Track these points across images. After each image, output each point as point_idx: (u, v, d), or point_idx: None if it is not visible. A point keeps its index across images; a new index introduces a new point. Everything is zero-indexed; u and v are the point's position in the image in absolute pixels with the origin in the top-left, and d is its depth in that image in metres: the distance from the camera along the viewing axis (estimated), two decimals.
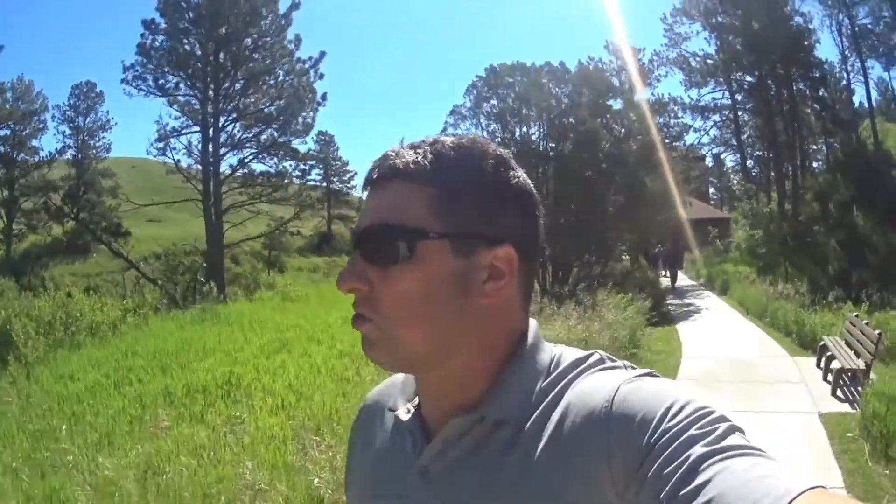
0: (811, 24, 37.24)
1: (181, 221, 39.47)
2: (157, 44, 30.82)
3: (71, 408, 9.46)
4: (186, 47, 31.11)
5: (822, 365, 10.40)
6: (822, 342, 10.85)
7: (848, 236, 28.90)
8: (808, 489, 0.70)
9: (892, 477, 6.27)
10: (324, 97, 32.93)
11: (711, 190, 56.85)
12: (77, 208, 31.47)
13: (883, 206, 29.36)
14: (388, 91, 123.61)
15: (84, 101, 43.70)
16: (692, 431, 0.81)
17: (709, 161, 49.47)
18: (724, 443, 0.79)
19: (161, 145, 31.55)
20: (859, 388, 8.64)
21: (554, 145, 29.25)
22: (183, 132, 32.12)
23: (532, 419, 0.97)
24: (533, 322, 1.10)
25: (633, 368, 1.01)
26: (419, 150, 1.01)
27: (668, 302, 23.05)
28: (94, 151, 43.68)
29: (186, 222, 37.97)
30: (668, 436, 0.82)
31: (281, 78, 32.42)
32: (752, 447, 0.80)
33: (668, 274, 31.50)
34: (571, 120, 28.45)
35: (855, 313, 11.76)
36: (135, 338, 15.18)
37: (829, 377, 9.71)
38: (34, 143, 39.09)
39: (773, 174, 39.31)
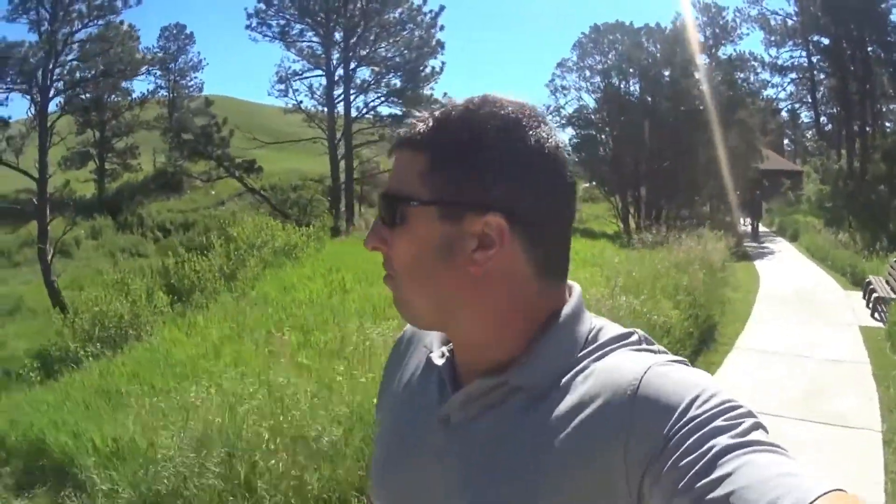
0: None
1: (289, 161, 40.97)
2: None
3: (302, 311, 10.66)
4: None
5: (865, 295, 13.71)
6: (868, 279, 14.20)
7: None
8: (829, 491, 0.73)
9: None
10: (442, 46, 34.47)
11: (786, 142, 57.37)
12: (213, 146, 32.79)
13: None
14: (498, 44, 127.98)
15: (174, 42, 45.14)
16: (717, 423, 0.83)
17: (784, 115, 50.39)
18: (749, 437, 0.81)
19: (283, 87, 34.12)
20: (886, 310, 11.73)
21: (650, 99, 32.07)
22: (304, 75, 34.61)
23: (557, 388, 0.99)
24: (576, 292, 1.10)
25: (666, 353, 1.03)
26: (425, 118, 1.04)
27: (746, 244, 25.72)
28: (187, 91, 45.40)
29: (299, 162, 40.36)
30: (691, 425, 0.84)
31: (405, 30, 34.13)
32: (775, 444, 0.82)
33: (747, 222, 32.12)
34: (667, 76, 31.49)
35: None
36: (327, 256, 16.49)
37: (869, 304, 13.05)
38: (125, 84, 39.57)
39: (844, 132, 40.90)
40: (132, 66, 30.52)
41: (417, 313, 1.08)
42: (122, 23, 30.11)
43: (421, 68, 34.07)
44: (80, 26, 29.19)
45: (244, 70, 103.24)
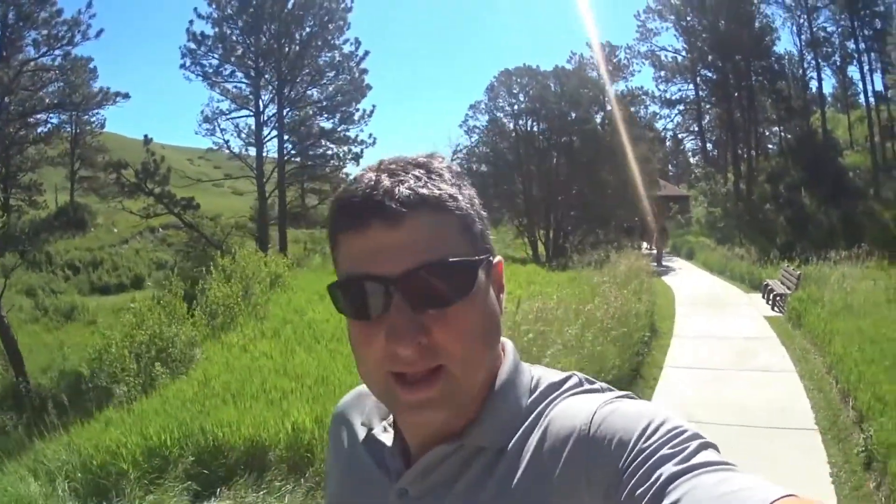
0: (773, 23, 42.88)
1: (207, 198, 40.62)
2: (206, 33, 34.03)
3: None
4: (236, 37, 34.44)
5: (764, 295, 16.92)
6: (766, 282, 17.47)
7: (795, 214, 33.48)
8: (782, 497, 0.73)
9: (801, 339, 11.75)
10: (370, 88, 36.41)
11: (669, 168, 60.72)
12: (153, 184, 32.60)
13: (827, 187, 34.31)
14: (408, 88, 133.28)
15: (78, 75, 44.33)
16: (664, 451, 0.83)
17: (668, 143, 54.46)
18: (695, 460, 0.81)
19: (210, 126, 34.72)
20: (785, 304, 14.91)
21: (559, 138, 35.35)
22: (231, 115, 35.48)
23: (512, 444, 0.97)
24: (509, 346, 1.09)
25: (610, 391, 1.02)
26: (420, 175, 0.96)
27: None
28: (90, 127, 44.71)
29: (213, 200, 41.03)
30: (641, 457, 0.84)
31: (336, 73, 35.75)
32: (723, 462, 0.82)
33: (649, 246, 33.00)
34: (573, 116, 34.80)
35: (788, 266, 18.36)
36: (305, 283, 17.82)
37: (769, 301, 16.25)
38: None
39: (729, 157, 44.57)
40: (86, 99, 30.66)
41: (466, 399, 0.98)
42: (78, 57, 30.27)
43: (353, 111, 35.50)
44: (35, 54, 29.26)
45: (147, 110, 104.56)
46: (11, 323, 24.28)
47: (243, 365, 10.10)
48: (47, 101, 30.52)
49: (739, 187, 40.48)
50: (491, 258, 1.00)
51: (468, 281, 0.93)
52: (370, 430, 1.15)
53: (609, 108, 37.71)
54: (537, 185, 36.73)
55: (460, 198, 0.97)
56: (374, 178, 0.94)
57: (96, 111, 38.82)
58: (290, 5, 34.19)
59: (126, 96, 30.69)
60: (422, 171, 0.96)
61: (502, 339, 1.07)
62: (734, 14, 41.10)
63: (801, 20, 42.37)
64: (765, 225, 33.24)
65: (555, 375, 1.07)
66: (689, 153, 57.04)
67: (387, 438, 1.11)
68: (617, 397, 0.97)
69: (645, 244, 32.60)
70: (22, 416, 12.87)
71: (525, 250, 36.54)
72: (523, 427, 0.99)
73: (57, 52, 29.55)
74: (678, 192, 51.16)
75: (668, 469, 0.81)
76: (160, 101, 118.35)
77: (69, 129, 42.03)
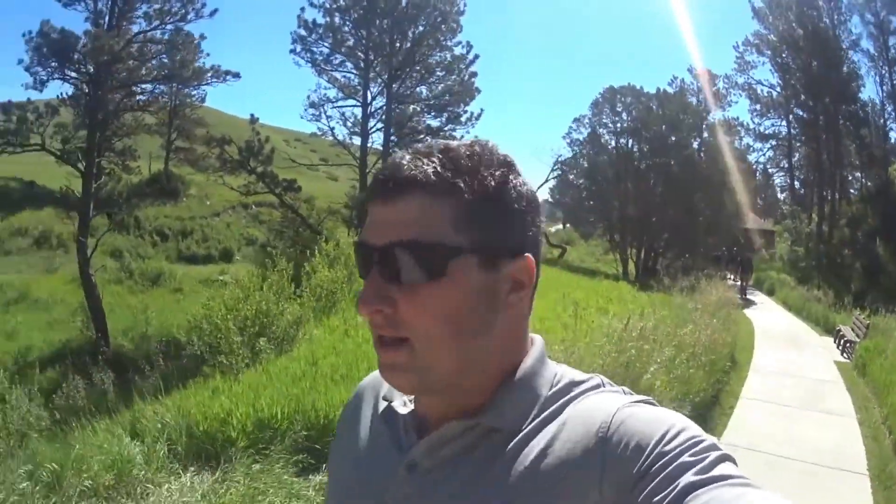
0: (859, 70, 42.72)
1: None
2: (318, 21, 34.81)
3: None
4: (348, 29, 35.12)
5: (836, 340, 17.86)
6: (838, 328, 18.44)
7: (870, 262, 33.56)
8: None
9: (864, 387, 12.63)
10: (479, 91, 36.75)
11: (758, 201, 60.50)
12: (256, 162, 33.12)
13: None
14: (514, 96, 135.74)
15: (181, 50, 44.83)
16: (684, 458, 0.85)
17: (758, 177, 54.16)
18: (714, 472, 0.83)
19: (316, 112, 36.05)
20: (853, 351, 15.75)
21: (659, 161, 36.40)
22: (337, 103, 36.53)
23: (528, 431, 1.00)
24: (539, 338, 1.13)
25: (631, 394, 1.05)
26: (434, 159, 1.00)
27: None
28: (190, 100, 45.27)
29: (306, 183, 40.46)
30: (660, 462, 0.86)
31: (447, 74, 36.34)
32: (741, 477, 0.84)
33: (738, 279, 32.25)
34: (672, 140, 35.90)
35: (859, 314, 19.35)
36: None
37: (839, 346, 17.18)
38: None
39: (815, 197, 44.65)
40: (196, 75, 30.61)
41: (436, 377, 1.02)
42: (188, 32, 30.02)
43: (460, 112, 36.65)
44: (147, 27, 29.10)
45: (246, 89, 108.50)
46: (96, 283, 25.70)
47: (348, 349, 10.50)
48: (154, 73, 30.67)
49: (822, 229, 40.72)
50: (497, 255, 1.00)
51: (438, 266, 0.96)
52: (390, 403, 1.17)
53: (707, 135, 38.74)
54: (633, 204, 37.68)
55: (467, 186, 0.99)
56: (396, 158, 1.02)
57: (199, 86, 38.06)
58: (403, 2, 34.55)
59: (237, 75, 30.64)
60: (439, 157, 1.00)
61: (532, 334, 1.12)
62: (824, 56, 41.30)
63: (884, 71, 42.18)
64: (842, 270, 33.72)
65: (578, 374, 1.09)
66: (778, 189, 57.18)
67: (405, 413, 1.14)
68: (637, 401, 1.00)
69: (730, 275, 32.54)
70: (106, 374, 13.14)
71: (616, 267, 37.91)
72: (541, 416, 1.02)
73: (168, 26, 29.27)
74: (764, 227, 51.69)
75: (687, 478, 0.83)
76: (259, 81, 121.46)
77: (168, 101, 42.68)
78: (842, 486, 7.54)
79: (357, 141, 36.89)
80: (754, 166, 49.81)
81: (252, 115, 34.27)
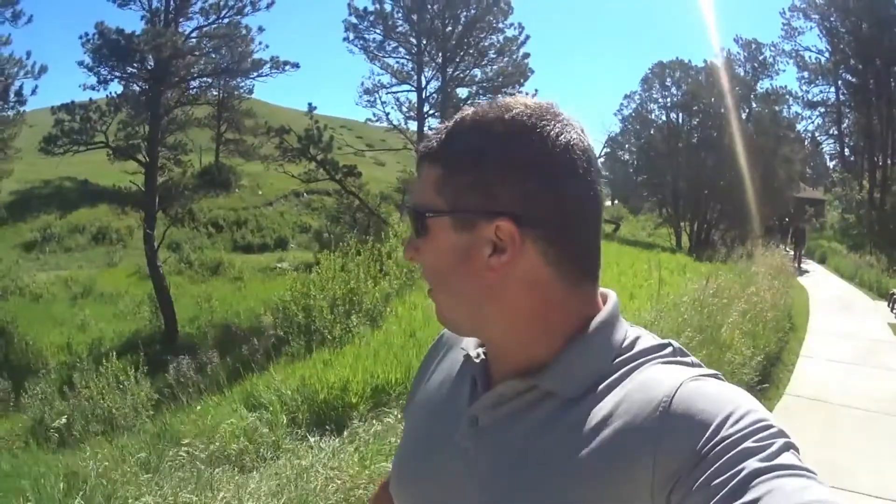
0: None
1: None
2: (368, 8, 35.16)
3: None
4: (398, 14, 35.33)
5: (889, 303, 18.40)
6: (891, 291, 19.03)
7: None
8: None
9: None
10: (532, 72, 36.91)
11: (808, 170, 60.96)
12: (316, 150, 33.00)
13: None
14: (565, 74, 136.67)
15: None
16: (748, 444, 0.84)
17: (807, 145, 53.57)
18: (779, 460, 0.83)
19: (371, 98, 36.33)
20: None
21: (711, 133, 36.96)
22: (392, 89, 36.77)
23: (588, 397, 1.01)
24: (612, 299, 1.12)
25: (700, 367, 1.05)
26: (440, 130, 1.10)
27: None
28: (238, 92, 45.07)
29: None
30: (723, 444, 0.85)
31: (500, 56, 36.40)
32: (804, 468, 0.83)
33: (792, 249, 31.78)
34: (721, 111, 36.20)
35: None
36: None
37: (893, 310, 17.73)
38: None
39: (866, 164, 44.41)
40: (255, 66, 30.79)
41: (454, 322, 1.14)
42: (246, 25, 30.28)
43: (515, 93, 35.55)
44: (204, 22, 29.47)
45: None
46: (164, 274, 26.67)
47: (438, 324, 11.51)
48: (213, 66, 31.15)
49: (874, 195, 40.54)
50: (473, 216, 1.03)
51: (423, 226, 1.08)
52: (467, 355, 1.20)
53: (755, 105, 39.07)
54: (685, 177, 38.37)
55: (448, 153, 1.06)
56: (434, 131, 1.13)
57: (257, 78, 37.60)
58: None
59: (296, 65, 31.00)
60: (447, 128, 1.09)
61: (607, 290, 1.13)
62: (875, 16, 40.54)
63: None
64: (895, 235, 33.75)
65: (650, 339, 1.10)
66: (827, 157, 57.00)
67: (476, 363, 1.18)
68: (704, 374, 1.00)
69: (783, 245, 32.15)
70: (197, 357, 13.96)
71: (669, 240, 38.76)
72: (603, 384, 1.02)
73: (225, 20, 29.55)
74: (815, 196, 52.19)
75: (751, 464, 0.82)
76: (306, 71, 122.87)
77: (216, 94, 42.54)
78: None
79: (413, 126, 37.13)
80: (803, 135, 49.66)
81: (310, 104, 34.23)
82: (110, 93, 29.01)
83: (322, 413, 7.40)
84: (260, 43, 31.71)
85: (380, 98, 36.45)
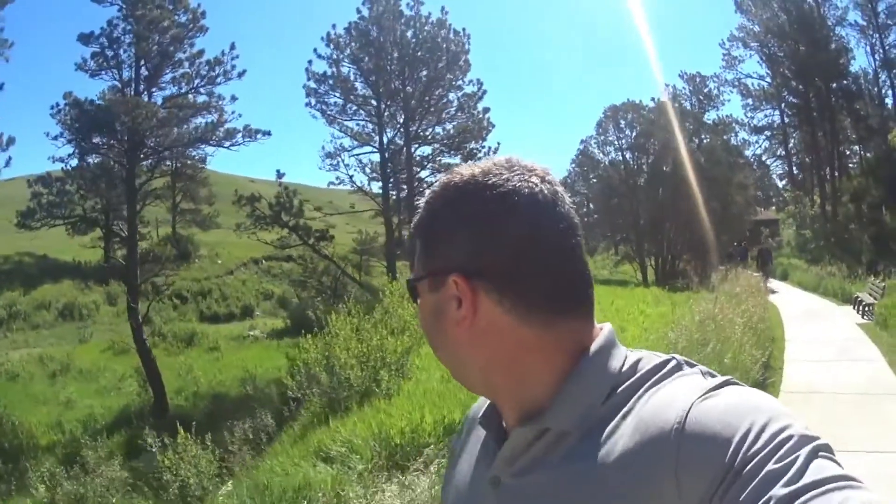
0: (848, 44, 44.21)
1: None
2: (327, 73, 35.62)
3: None
4: (356, 77, 36.02)
5: (855, 306, 20.06)
6: (856, 295, 20.67)
7: (878, 232, 34.40)
8: None
9: (888, 338, 14.57)
10: (493, 126, 37.64)
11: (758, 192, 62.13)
12: (288, 216, 33.91)
13: None
14: (523, 123, 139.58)
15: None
16: (770, 466, 0.80)
17: (755, 168, 56.16)
18: (806, 478, 0.78)
19: (333, 161, 36.55)
20: (873, 311, 17.95)
21: (666, 169, 38.38)
22: (354, 151, 37.26)
23: (599, 430, 0.99)
24: (606, 328, 1.11)
25: (709, 374, 1.03)
26: (427, 204, 1.15)
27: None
28: (191, 161, 45.97)
29: None
30: (744, 471, 0.82)
31: (457, 111, 37.34)
32: (835, 477, 0.79)
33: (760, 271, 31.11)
34: (674, 145, 37.34)
35: (874, 279, 21.52)
36: None
37: (859, 311, 19.42)
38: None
39: (815, 179, 46.27)
40: (227, 135, 30.91)
41: (458, 377, 1.17)
42: (220, 95, 30.67)
43: (478, 148, 37.19)
44: (177, 92, 30.07)
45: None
46: (130, 349, 27.19)
47: None
48: (187, 137, 31.31)
49: (826, 209, 42.25)
50: (435, 276, 1.09)
51: (413, 293, 1.15)
52: (483, 423, 1.21)
53: (705, 137, 40.93)
54: (645, 213, 39.96)
55: (421, 223, 1.14)
56: None
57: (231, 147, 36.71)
58: (411, 47, 35.65)
59: (267, 133, 31.46)
60: (429, 200, 1.14)
61: (602, 323, 1.13)
62: (811, 38, 42.64)
63: (874, 39, 43.53)
64: (850, 244, 34.89)
65: (653, 359, 1.07)
66: (776, 178, 59.45)
67: (487, 423, 1.20)
68: (717, 386, 0.96)
69: (748, 270, 32.42)
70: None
71: (635, 275, 40.20)
72: (613, 413, 1.00)
73: (200, 90, 30.28)
74: (768, 216, 54.02)
75: (777, 492, 0.78)
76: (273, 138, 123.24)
77: (169, 164, 42.95)
78: (888, 405, 9.77)
79: (377, 188, 38.08)
80: (751, 159, 52.03)
81: (278, 171, 35.17)
82: (83, 164, 29.78)
83: (394, 457, 7.57)
84: (233, 112, 32.56)
85: (343, 161, 37.11)
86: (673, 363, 1.05)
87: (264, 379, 24.99)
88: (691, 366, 1.06)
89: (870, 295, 20.00)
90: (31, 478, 14.62)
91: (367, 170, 38.32)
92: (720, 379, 0.99)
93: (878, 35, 43.33)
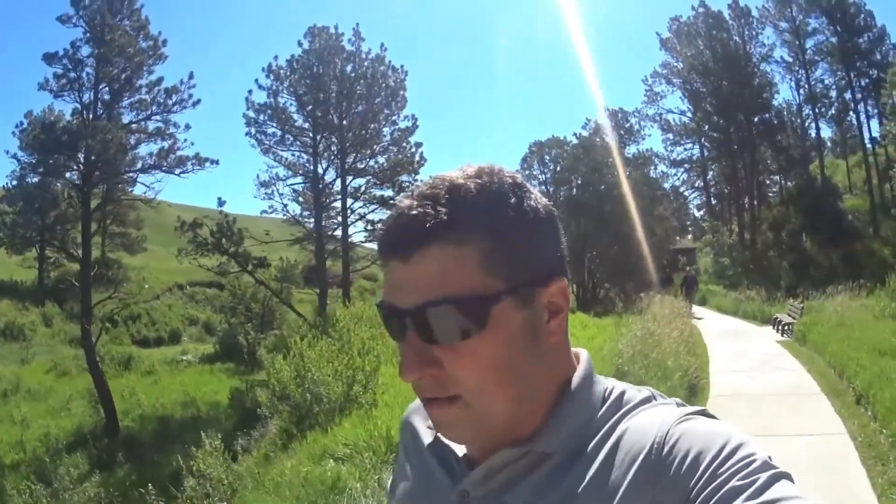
0: (773, 79, 45.93)
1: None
2: (266, 103, 35.35)
3: None
4: (294, 108, 35.85)
5: (775, 326, 21.07)
6: (775, 316, 21.74)
7: (797, 258, 36.11)
8: None
9: (807, 351, 15.63)
10: (424, 160, 37.27)
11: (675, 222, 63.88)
12: (229, 243, 33.32)
13: (827, 231, 36.95)
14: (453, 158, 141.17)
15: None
16: (734, 482, 0.83)
17: (672, 199, 56.47)
18: (767, 496, 0.81)
19: (268, 191, 36.23)
20: (792, 330, 19.21)
21: (590, 201, 39.39)
22: (288, 181, 36.81)
23: (580, 453, 0.98)
24: (585, 355, 1.09)
25: (683, 406, 1.03)
26: (443, 201, 0.94)
27: None
28: (121, 185, 42.29)
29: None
30: (712, 485, 0.84)
31: (390, 145, 37.19)
32: (795, 497, 0.81)
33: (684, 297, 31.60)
34: (600, 183, 38.82)
35: (793, 301, 22.64)
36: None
37: (778, 330, 20.37)
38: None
39: (733, 209, 47.72)
40: (179, 162, 31.01)
41: (494, 423, 0.99)
42: (172, 122, 30.72)
43: (411, 181, 36.43)
44: (134, 118, 30.09)
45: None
46: (71, 370, 27.67)
47: None
48: (140, 163, 31.39)
49: (744, 237, 43.66)
50: (532, 287, 0.97)
51: (479, 317, 0.93)
52: (437, 433, 1.13)
53: (628, 170, 41.85)
54: (569, 243, 40.16)
55: (483, 223, 0.95)
56: (401, 209, 0.97)
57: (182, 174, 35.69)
58: (350, 81, 35.86)
59: (215, 162, 31.59)
60: (447, 198, 0.94)
61: (577, 349, 1.10)
62: (735, 74, 44.10)
63: (800, 74, 45.19)
64: (770, 271, 36.09)
65: (629, 388, 1.07)
66: (694, 208, 60.45)
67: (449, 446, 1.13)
68: (692, 413, 0.97)
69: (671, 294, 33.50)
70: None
71: None
72: (594, 436, 0.99)
73: (156, 116, 30.32)
74: (685, 245, 55.24)
75: None
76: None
77: (100, 188, 40.52)
78: (809, 403, 10.73)
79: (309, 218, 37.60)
80: (669, 191, 52.84)
81: (219, 199, 34.72)
82: (22, 184, 29.74)
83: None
84: (185, 140, 32.81)
85: (277, 190, 36.96)
86: (647, 393, 1.06)
87: (205, 402, 25.82)
88: (664, 398, 1.06)
89: (789, 315, 21.05)
90: (13, 494, 14.75)
91: (300, 199, 38.36)
92: (695, 408, 1.00)
93: (803, 70, 45.11)
